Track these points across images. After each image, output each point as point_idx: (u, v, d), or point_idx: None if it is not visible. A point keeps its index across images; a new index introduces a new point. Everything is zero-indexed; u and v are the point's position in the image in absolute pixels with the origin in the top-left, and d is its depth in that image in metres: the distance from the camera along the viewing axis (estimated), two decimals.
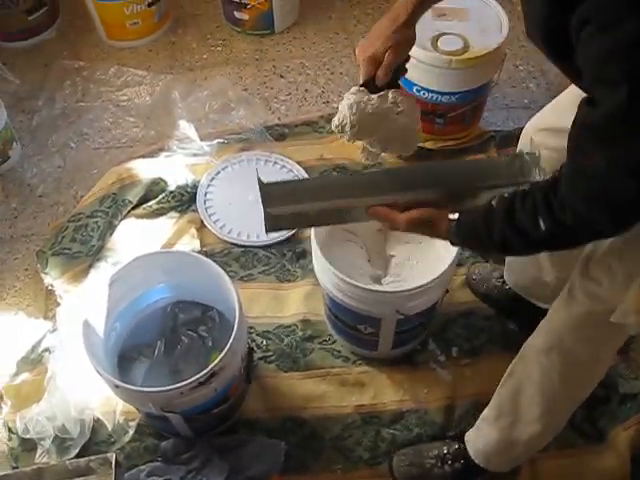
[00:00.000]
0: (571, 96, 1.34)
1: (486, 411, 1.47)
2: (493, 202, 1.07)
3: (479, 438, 1.50)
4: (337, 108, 2.29)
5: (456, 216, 1.13)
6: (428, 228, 1.17)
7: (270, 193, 1.21)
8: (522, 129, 2.21)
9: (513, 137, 2.20)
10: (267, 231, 1.25)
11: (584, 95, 0.89)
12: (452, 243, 1.17)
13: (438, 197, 1.20)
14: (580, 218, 0.91)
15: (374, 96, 1.25)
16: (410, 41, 1.22)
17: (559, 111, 1.39)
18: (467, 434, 1.55)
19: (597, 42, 0.78)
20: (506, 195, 1.05)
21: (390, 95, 1.26)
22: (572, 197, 0.91)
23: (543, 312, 1.72)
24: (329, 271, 1.51)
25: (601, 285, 1.12)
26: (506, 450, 1.45)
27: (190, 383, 1.34)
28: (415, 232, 1.20)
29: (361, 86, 1.26)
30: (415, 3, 1.19)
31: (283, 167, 2.18)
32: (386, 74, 1.21)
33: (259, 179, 1.20)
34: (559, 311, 1.24)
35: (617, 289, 1.09)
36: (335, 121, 1.29)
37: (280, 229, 1.28)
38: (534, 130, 1.48)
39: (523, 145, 1.53)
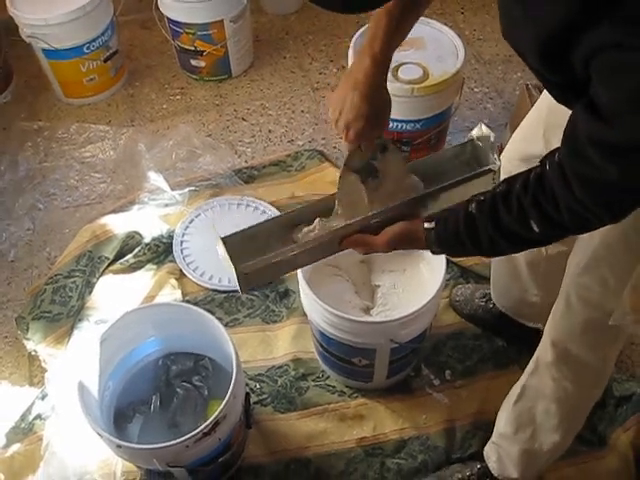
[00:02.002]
0: (534, 124, 1.37)
1: (502, 427, 1.48)
2: (471, 209, 1.04)
3: (501, 455, 1.51)
4: (302, 146, 2.34)
5: (431, 225, 1.10)
6: (406, 243, 1.16)
7: (236, 248, 1.16)
8: None
9: None
10: (242, 292, 1.20)
11: (559, 110, 0.89)
12: (433, 252, 1.15)
13: (403, 209, 1.18)
14: (577, 216, 0.90)
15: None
16: (386, 105, 1.20)
17: (526, 140, 1.41)
18: (486, 452, 1.56)
19: (617, 59, 0.74)
20: (483, 198, 1.03)
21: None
22: (570, 199, 0.89)
23: (529, 327, 1.77)
24: (320, 307, 1.52)
25: (596, 292, 1.14)
26: (530, 462, 1.46)
27: (195, 435, 1.32)
28: (395, 249, 1.18)
29: (347, 159, 1.23)
30: (384, 32, 1.13)
31: (256, 209, 2.19)
32: (373, 146, 1.22)
33: (220, 237, 1.16)
34: (559, 323, 1.26)
35: (611, 293, 1.11)
36: (344, 204, 1.24)
37: (254, 286, 1.19)
38: (507, 161, 1.44)
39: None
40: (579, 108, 0.83)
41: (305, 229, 1.23)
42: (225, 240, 1.17)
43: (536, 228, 0.96)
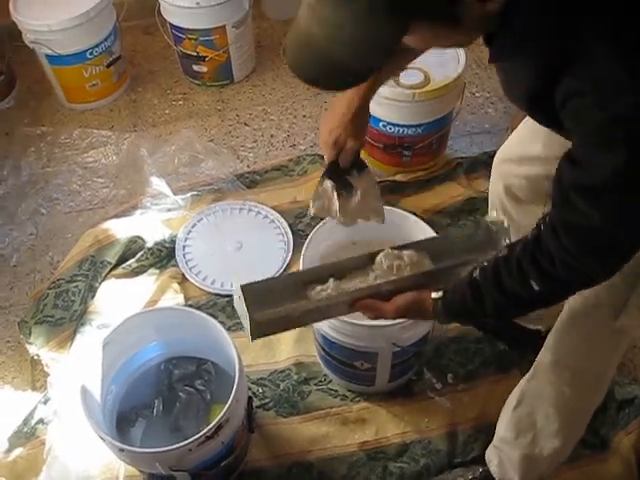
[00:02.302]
0: (529, 125, 1.40)
1: (503, 432, 1.48)
2: (475, 275, 1.09)
3: (502, 459, 1.51)
4: (304, 150, 2.36)
5: (439, 294, 1.17)
6: (414, 312, 1.22)
7: (253, 296, 1.22)
8: (486, 153, 2.29)
9: (480, 162, 2.28)
10: (253, 339, 1.25)
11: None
12: (440, 322, 1.22)
13: (414, 281, 1.26)
14: (573, 271, 0.95)
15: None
16: (365, 124, 1.34)
17: (522, 142, 1.45)
18: (487, 456, 1.56)
19: (595, 113, 0.82)
20: (486, 264, 1.08)
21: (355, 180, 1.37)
22: (562, 252, 0.94)
23: (532, 332, 1.77)
24: None
25: (602, 296, 1.14)
26: (531, 467, 1.46)
27: (198, 439, 1.33)
28: (402, 317, 1.25)
29: (326, 168, 1.37)
30: (365, 88, 1.27)
31: (258, 214, 2.19)
32: (348, 158, 1.33)
33: (240, 286, 1.22)
34: (564, 328, 1.26)
35: (618, 297, 1.12)
36: (316, 206, 1.38)
37: (265, 335, 1.28)
38: (501, 161, 1.53)
39: (493, 175, 1.58)
40: (562, 158, 0.90)
41: (318, 287, 1.30)
42: (243, 288, 1.23)
43: (536, 286, 0.99)
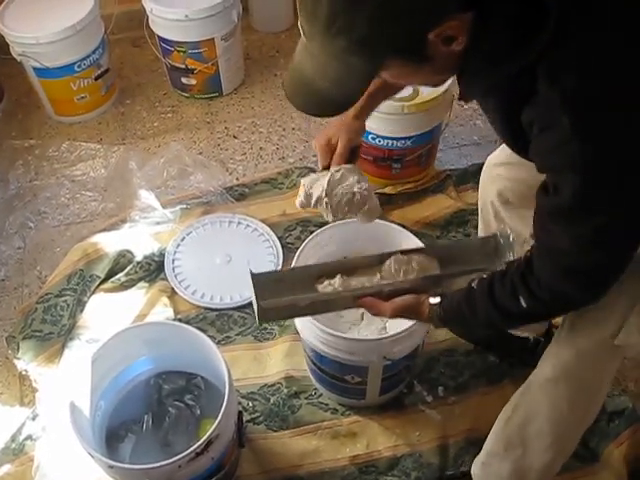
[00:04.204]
0: None
1: (491, 446, 1.47)
2: (473, 284, 1.17)
3: (490, 474, 1.50)
4: (293, 163, 2.36)
5: (437, 300, 1.23)
6: (410, 314, 1.30)
7: (263, 286, 1.31)
8: (475, 165, 2.30)
9: (469, 174, 2.29)
10: (260, 323, 1.37)
11: None
12: (435, 326, 1.29)
13: (416, 285, 1.32)
14: (555, 294, 1.02)
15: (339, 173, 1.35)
16: (360, 131, 1.42)
17: None
18: (474, 471, 1.55)
19: (542, 140, 0.92)
20: (485, 276, 1.15)
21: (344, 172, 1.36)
22: (546, 275, 1.02)
23: (520, 341, 1.77)
24: (312, 325, 1.52)
25: (601, 312, 1.15)
26: None
27: (188, 455, 1.32)
28: (399, 317, 1.31)
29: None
30: (363, 99, 1.33)
31: (247, 227, 2.19)
32: (340, 160, 1.36)
33: (251, 271, 1.31)
34: (562, 343, 1.26)
35: (618, 313, 1.12)
36: (303, 200, 1.37)
37: (271, 320, 1.40)
38: (493, 165, 1.57)
39: (484, 180, 1.60)
40: (538, 189, 0.99)
41: (327, 282, 1.38)
42: (254, 275, 1.32)
43: (524, 303, 1.07)
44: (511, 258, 1.32)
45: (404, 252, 1.41)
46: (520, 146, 1.02)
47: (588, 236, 0.94)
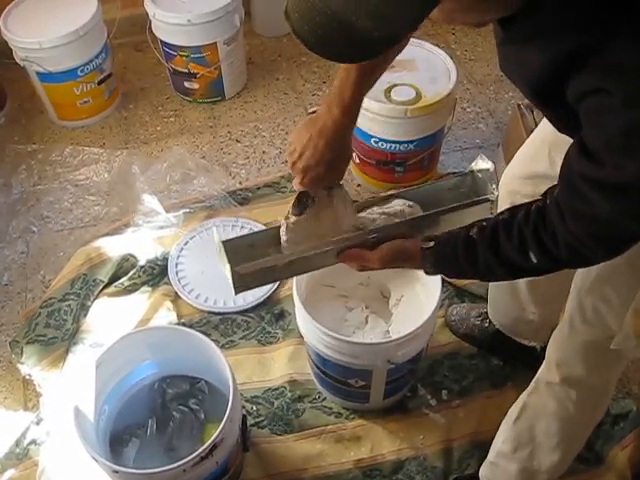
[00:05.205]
0: (534, 142, 1.40)
1: (500, 446, 1.47)
2: (472, 233, 1.06)
3: (498, 474, 1.50)
4: None
5: (429, 244, 1.12)
6: (401, 260, 1.18)
7: (234, 251, 1.20)
8: None
9: None
10: (236, 292, 1.23)
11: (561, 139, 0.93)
12: (427, 272, 1.17)
13: (402, 229, 1.21)
14: (575, 253, 0.93)
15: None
16: (349, 156, 1.22)
17: (527, 159, 1.43)
18: (482, 472, 1.55)
19: (623, 114, 0.78)
20: (485, 224, 1.06)
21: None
22: (568, 236, 0.92)
23: (525, 346, 1.77)
24: (315, 328, 1.52)
25: (599, 314, 1.15)
26: None
27: (192, 459, 1.32)
28: (390, 267, 1.20)
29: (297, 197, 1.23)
30: (348, 109, 1.15)
31: (250, 230, 2.19)
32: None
33: (220, 240, 1.20)
34: (563, 344, 1.26)
35: (615, 315, 1.12)
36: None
37: (249, 288, 1.25)
38: (509, 178, 1.50)
39: (502, 197, 1.54)
40: (573, 146, 0.87)
41: None
42: (225, 242, 1.21)
43: (534, 259, 0.98)
44: (495, 191, 1.25)
45: (382, 199, 1.29)
46: (543, 102, 0.94)
47: (635, 210, 0.84)
